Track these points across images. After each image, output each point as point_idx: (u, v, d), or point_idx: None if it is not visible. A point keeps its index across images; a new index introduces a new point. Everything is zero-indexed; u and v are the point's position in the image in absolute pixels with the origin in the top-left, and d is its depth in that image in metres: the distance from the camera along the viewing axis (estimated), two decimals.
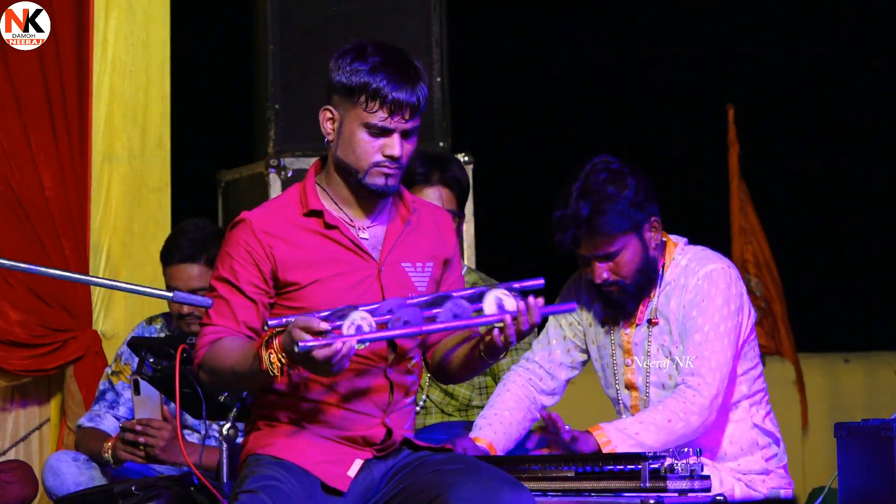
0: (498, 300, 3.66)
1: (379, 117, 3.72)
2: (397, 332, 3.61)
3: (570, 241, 4.41)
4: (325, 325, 3.50)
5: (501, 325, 3.64)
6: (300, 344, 3.48)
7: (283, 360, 3.56)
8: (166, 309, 5.38)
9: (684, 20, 9.10)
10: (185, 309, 5.10)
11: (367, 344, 3.60)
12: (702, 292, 4.43)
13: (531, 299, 3.66)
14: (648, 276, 4.47)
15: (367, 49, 3.74)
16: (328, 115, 3.79)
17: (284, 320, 3.58)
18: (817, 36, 9.10)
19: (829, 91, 9.11)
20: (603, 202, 4.38)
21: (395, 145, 3.74)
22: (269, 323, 3.60)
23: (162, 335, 5.27)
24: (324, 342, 3.48)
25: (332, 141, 3.79)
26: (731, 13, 9.10)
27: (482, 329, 3.76)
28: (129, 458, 4.97)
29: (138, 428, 4.92)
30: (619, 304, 4.50)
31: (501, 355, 3.76)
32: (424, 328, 3.64)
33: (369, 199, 3.81)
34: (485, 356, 3.76)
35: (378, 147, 3.74)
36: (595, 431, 4.32)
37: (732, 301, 4.44)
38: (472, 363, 3.81)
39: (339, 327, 3.54)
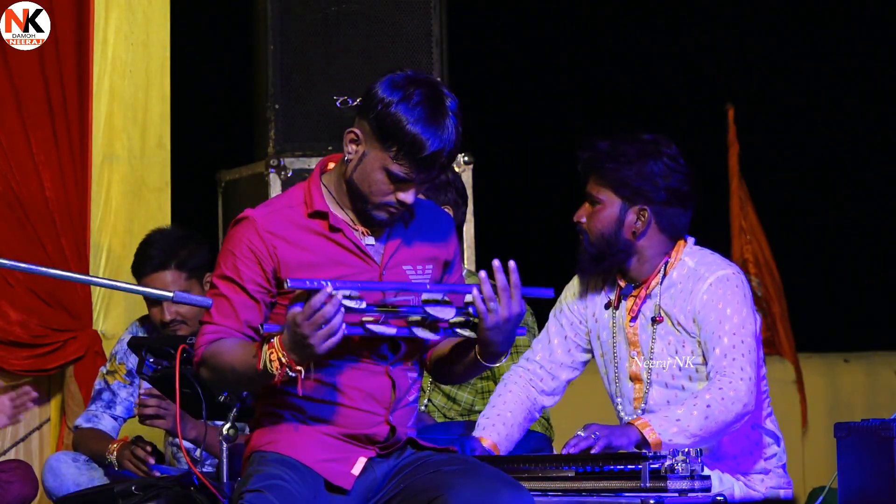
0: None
1: (403, 170, 3.69)
2: (376, 284, 3.66)
3: (580, 165, 4.51)
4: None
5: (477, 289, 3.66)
6: (289, 281, 3.51)
7: (284, 359, 3.56)
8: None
9: (684, 20, 9.09)
10: (168, 316, 5.11)
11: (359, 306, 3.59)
12: (716, 296, 4.43)
13: (510, 263, 3.66)
14: (610, 250, 4.49)
15: (414, 96, 3.68)
16: (353, 136, 3.74)
17: (280, 327, 3.59)
18: (817, 36, 9.10)
19: (829, 91, 9.11)
20: (622, 154, 4.45)
21: (409, 195, 3.73)
22: (265, 328, 3.61)
23: (154, 335, 5.27)
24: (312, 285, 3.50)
25: (350, 160, 3.76)
26: (731, 13, 9.10)
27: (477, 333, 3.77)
28: (134, 470, 4.97)
29: (151, 403, 4.89)
30: (579, 256, 4.54)
31: (501, 358, 3.76)
32: (403, 286, 3.68)
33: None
34: (481, 359, 3.76)
35: (392, 191, 3.73)
36: (637, 422, 4.31)
37: (748, 304, 4.45)
38: (470, 365, 3.81)
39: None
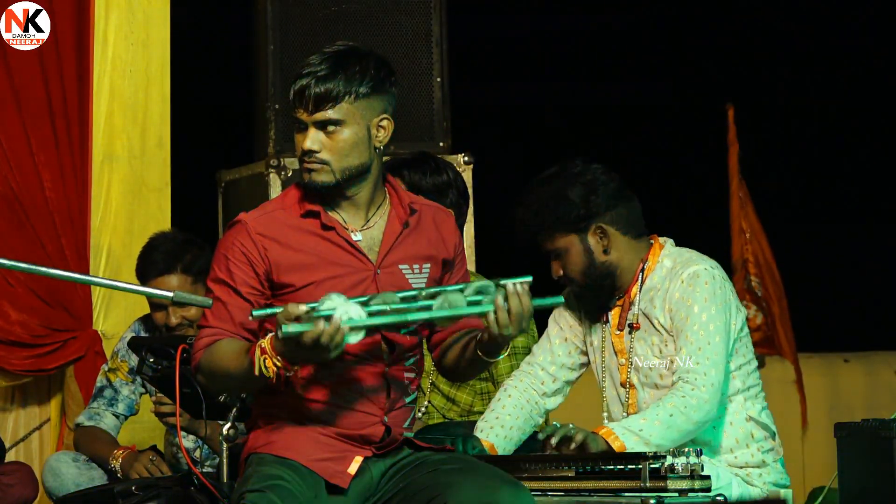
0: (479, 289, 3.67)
1: (294, 114, 3.78)
2: (382, 320, 3.58)
3: (521, 242, 4.58)
4: (303, 307, 3.50)
5: (492, 309, 3.62)
6: (283, 328, 3.48)
7: (279, 363, 3.57)
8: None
9: (684, 20, 9.10)
10: (174, 320, 5.11)
11: (357, 331, 3.56)
12: (686, 293, 4.46)
13: (517, 285, 3.65)
14: (598, 282, 4.54)
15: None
16: None
17: (269, 311, 3.57)
18: (817, 35, 9.10)
19: (829, 91, 9.11)
20: (540, 204, 4.54)
21: (306, 138, 3.76)
22: (254, 313, 3.60)
23: (155, 334, 5.26)
24: (305, 327, 3.48)
25: None
26: (732, 13, 9.10)
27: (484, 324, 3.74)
28: (136, 476, 4.96)
29: (168, 401, 4.88)
30: (582, 299, 4.60)
31: (501, 353, 3.75)
32: (410, 317, 3.61)
33: (350, 200, 3.80)
34: (482, 355, 3.76)
35: (301, 142, 3.77)
36: (601, 430, 4.33)
37: (718, 299, 4.46)
38: (474, 362, 3.81)
39: (321, 311, 3.52)
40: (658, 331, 4.51)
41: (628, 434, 4.31)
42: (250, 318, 3.63)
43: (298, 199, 3.82)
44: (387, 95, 3.80)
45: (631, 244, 4.56)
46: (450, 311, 3.63)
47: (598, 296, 4.57)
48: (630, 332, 4.55)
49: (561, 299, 3.81)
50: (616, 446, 4.28)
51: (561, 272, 4.55)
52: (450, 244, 3.91)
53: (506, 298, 3.63)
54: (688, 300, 4.45)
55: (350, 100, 3.74)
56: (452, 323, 3.74)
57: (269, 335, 3.59)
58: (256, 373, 3.59)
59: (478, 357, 3.77)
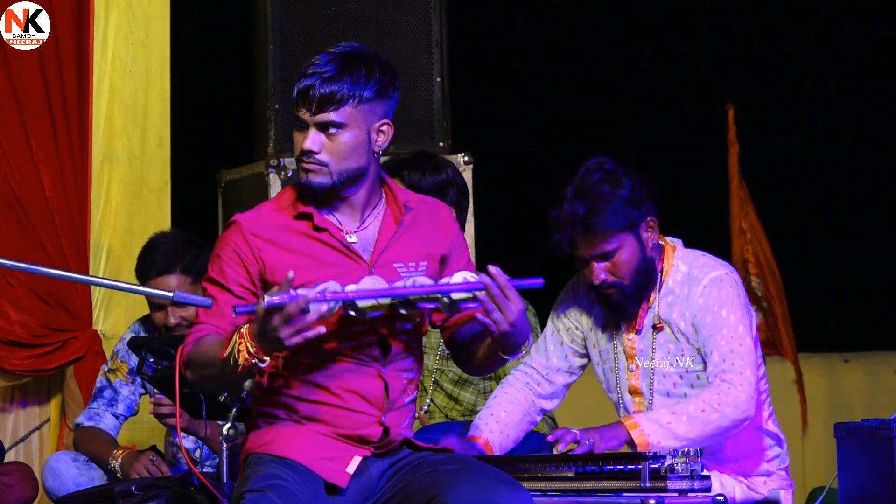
0: (464, 277, 3.68)
1: (295, 111, 3.78)
2: (356, 293, 3.58)
3: (567, 243, 4.41)
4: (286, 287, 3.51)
5: (475, 295, 3.65)
6: (266, 300, 3.47)
7: (252, 349, 3.55)
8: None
9: (684, 19, 9.10)
10: (173, 320, 5.11)
11: (333, 306, 3.56)
12: (711, 299, 4.41)
13: (490, 268, 3.65)
14: (647, 277, 4.46)
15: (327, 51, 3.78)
16: None
17: (252, 308, 3.55)
18: (817, 35, 9.10)
19: (830, 91, 9.11)
20: (598, 201, 4.37)
21: (307, 140, 3.76)
22: (237, 309, 3.59)
23: (155, 335, 5.27)
24: (285, 299, 3.47)
25: None
26: (732, 12, 9.10)
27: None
28: (136, 476, 4.96)
29: (166, 402, 4.88)
30: (619, 307, 4.48)
31: (521, 350, 3.75)
32: (385, 291, 3.62)
33: (346, 201, 3.80)
34: (503, 353, 3.76)
35: (301, 142, 3.76)
36: (627, 422, 4.32)
37: (741, 304, 4.44)
38: (491, 358, 3.82)
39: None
40: (676, 338, 4.47)
41: (655, 426, 4.28)
42: (234, 314, 3.61)
43: (293, 200, 3.82)
44: (389, 100, 3.80)
45: (657, 242, 4.53)
46: (429, 289, 3.65)
47: (637, 297, 4.47)
48: (654, 333, 4.50)
49: (540, 282, 3.75)
50: (638, 441, 4.27)
51: (603, 276, 4.42)
52: (447, 238, 3.92)
53: (483, 288, 3.65)
54: (714, 305, 4.41)
55: (354, 104, 3.74)
56: (435, 302, 3.72)
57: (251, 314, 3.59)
58: (224, 354, 3.57)
59: (497, 356, 3.78)
